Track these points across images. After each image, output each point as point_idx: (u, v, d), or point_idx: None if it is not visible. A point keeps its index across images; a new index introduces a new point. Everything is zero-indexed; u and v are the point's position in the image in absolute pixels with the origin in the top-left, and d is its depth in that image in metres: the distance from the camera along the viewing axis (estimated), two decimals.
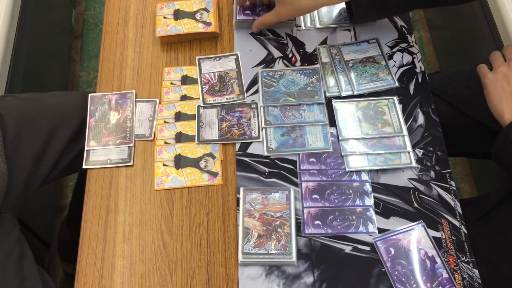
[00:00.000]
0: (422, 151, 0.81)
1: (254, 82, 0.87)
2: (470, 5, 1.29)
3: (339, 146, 0.80)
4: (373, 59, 0.88)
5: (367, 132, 0.81)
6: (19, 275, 0.76)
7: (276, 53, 0.90)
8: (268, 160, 0.80)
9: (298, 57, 0.90)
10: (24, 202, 0.85)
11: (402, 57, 0.90)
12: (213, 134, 0.82)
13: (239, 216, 0.74)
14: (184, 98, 0.86)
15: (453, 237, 0.73)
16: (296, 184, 0.78)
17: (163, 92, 0.86)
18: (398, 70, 0.88)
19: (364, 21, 0.90)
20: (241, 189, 0.76)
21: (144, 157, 0.81)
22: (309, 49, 0.91)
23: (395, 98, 0.84)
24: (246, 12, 0.92)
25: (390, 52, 0.90)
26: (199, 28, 0.90)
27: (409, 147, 0.80)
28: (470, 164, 1.58)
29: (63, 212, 1.50)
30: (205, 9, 0.92)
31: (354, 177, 0.78)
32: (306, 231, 0.74)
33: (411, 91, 0.86)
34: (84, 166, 0.80)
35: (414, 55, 0.90)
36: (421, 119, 0.83)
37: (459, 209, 0.76)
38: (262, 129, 0.82)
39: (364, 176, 0.78)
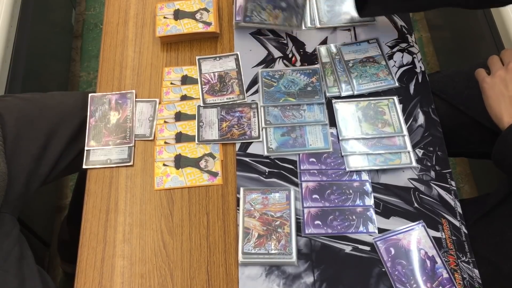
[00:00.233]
0: (422, 151, 0.81)
1: (254, 82, 0.87)
2: None
3: (339, 146, 0.80)
4: (373, 59, 0.88)
5: (367, 132, 0.81)
6: (19, 275, 0.76)
7: (276, 53, 0.90)
8: (268, 160, 0.80)
9: (298, 57, 0.90)
10: (24, 202, 0.85)
11: (402, 57, 0.90)
12: (213, 134, 0.82)
13: (239, 216, 0.74)
14: (184, 98, 0.86)
15: (453, 237, 0.73)
16: (296, 184, 0.78)
17: (163, 92, 0.86)
18: (398, 70, 0.88)
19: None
20: (241, 189, 0.76)
21: (144, 157, 0.81)
22: (309, 49, 0.91)
23: (395, 98, 0.84)
24: None
25: (390, 52, 0.90)
26: (199, 28, 0.90)
27: (409, 147, 0.80)
28: (470, 164, 1.58)
29: (63, 212, 1.50)
30: (205, 9, 0.92)
31: (354, 177, 0.78)
32: (306, 231, 0.74)
33: (411, 91, 0.86)
34: (84, 166, 0.80)
35: (414, 55, 0.90)
36: (421, 119, 0.83)
37: (459, 209, 0.76)
38: (262, 129, 0.82)
39: (364, 176, 0.78)
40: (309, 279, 0.70)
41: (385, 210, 0.75)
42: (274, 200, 0.75)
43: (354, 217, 0.75)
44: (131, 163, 0.80)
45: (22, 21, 1.22)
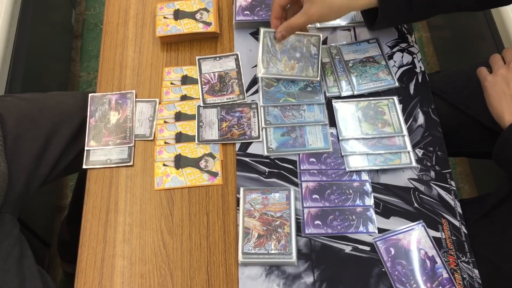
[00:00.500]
0: (422, 151, 0.81)
1: (254, 82, 0.87)
2: None
3: (339, 146, 0.80)
4: (373, 59, 0.88)
5: (367, 132, 0.81)
6: (19, 275, 0.76)
7: None
8: (268, 160, 0.80)
9: None
10: (24, 202, 0.85)
11: (402, 57, 0.90)
12: (213, 134, 0.82)
13: (239, 216, 0.74)
14: (184, 98, 0.86)
15: (453, 237, 0.73)
16: (296, 184, 0.78)
17: (163, 92, 0.86)
18: (398, 70, 0.88)
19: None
20: (241, 189, 0.76)
21: (144, 157, 0.81)
22: None
23: (395, 98, 0.84)
24: (246, 12, 0.92)
25: (390, 52, 0.90)
26: (199, 28, 0.90)
27: (409, 147, 0.80)
28: (470, 164, 1.58)
29: (63, 212, 1.50)
30: (205, 9, 0.92)
31: (354, 177, 0.78)
32: (306, 231, 0.74)
33: (411, 91, 0.86)
34: (84, 166, 0.80)
35: (414, 55, 0.90)
36: (421, 119, 0.83)
37: (459, 209, 0.76)
38: (262, 129, 0.82)
39: (364, 176, 0.78)
40: (309, 279, 0.70)
41: (385, 210, 0.75)
42: (274, 200, 0.75)
43: (354, 217, 0.75)
44: (131, 163, 0.80)
45: (22, 21, 1.22)
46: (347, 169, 0.78)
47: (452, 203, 0.76)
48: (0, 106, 0.84)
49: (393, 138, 0.81)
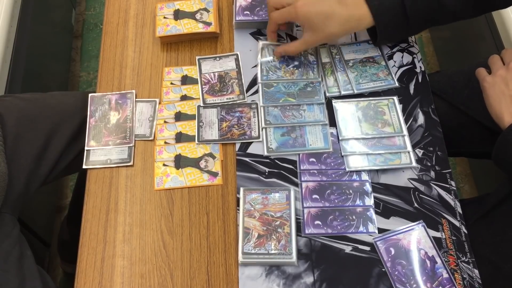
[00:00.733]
0: (422, 151, 0.81)
1: (254, 82, 0.87)
2: None
3: (339, 146, 0.80)
4: (373, 59, 0.88)
5: (367, 132, 0.81)
6: (19, 275, 0.76)
7: None
8: (268, 160, 0.80)
9: None
10: (24, 202, 0.85)
11: (402, 57, 0.90)
12: (213, 134, 0.82)
13: (239, 216, 0.74)
14: (184, 98, 0.86)
15: (453, 237, 0.73)
16: (296, 184, 0.78)
17: (163, 92, 0.86)
18: (398, 70, 0.88)
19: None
20: (241, 189, 0.76)
21: (144, 157, 0.81)
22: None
23: (395, 98, 0.84)
24: (246, 12, 0.92)
25: (390, 52, 0.90)
26: (199, 28, 0.90)
27: (409, 147, 0.80)
28: (470, 164, 1.58)
29: (63, 212, 1.50)
30: (205, 9, 0.92)
31: (354, 177, 0.78)
32: (306, 231, 0.74)
33: (411, 91, 0.86)
34: (84, 166, 0.80)
35: (414, 55, 0.90)
36: (421, 119, 0.83)
37: (459, 209, 0.76)
38: (262, 129, 0.82)
39: (364, 176, 0.78)
40: (309, 279, 0.70)
41: (385, 210, 0.75)
42: (274, 200, 0.75)
43: (354, 217, 0.75)
44: (131, 163, 0.80)
45: (22, 21, 1.22)
46: (347, 169, 0.78)
47: (452, 203, 0.76)
48: (0, 106, 0.84)
49: (393, 138, 0.81)
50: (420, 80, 0.87)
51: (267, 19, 0.91)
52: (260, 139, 0.81)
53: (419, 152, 0.80)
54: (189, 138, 0.82)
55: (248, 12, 0.92)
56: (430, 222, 0.74)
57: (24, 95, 0.92)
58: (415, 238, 0.73)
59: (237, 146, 0.81)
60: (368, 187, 0.77)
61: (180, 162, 0.80)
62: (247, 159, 0.80)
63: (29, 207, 1.20)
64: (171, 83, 0.87)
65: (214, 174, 0.79)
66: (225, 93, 0.86)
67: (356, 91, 0.85)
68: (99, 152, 0.81)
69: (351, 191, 0.77)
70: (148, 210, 0.77)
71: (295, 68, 0.87)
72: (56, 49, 1.63)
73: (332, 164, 0.79)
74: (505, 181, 0.81)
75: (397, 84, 0.86)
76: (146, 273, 0.72)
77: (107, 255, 0.73)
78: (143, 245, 0.74)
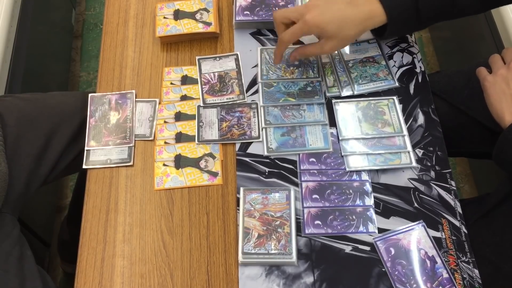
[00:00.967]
0: (422, 151, 0.81)
1: (254, 82, 0.87)
2: None
3: (339, 146, 0.80)
4: (373, 59, 0.88)
5: (367, 132, 0.81)
6: (19, 275, 0.76)
7: None
8: (268, 160, 0.80)
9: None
10: (24, 202, 0.85)
11: (402, 57, 0.90)
12: (213, 134, 0.82)
13: (239, 216, 0.74)
14: (184, 98, 0.86)
15: (453, 237, 0.73)
16: (296, 184, 0.78)
17: (163, 92, 0.86)
18: (398, 70, 0.88)
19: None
20: (241, 189, 0.76)
21: (144, 157, 0.81)
22: None
23: (395, 98, 0.84)
24: (246, 12, 0.92)
25: (390, 52, 0.90)
26: (199, 28, 0.90)
27: (409, 147, 0.80)
28: (470, 164, 1.58)
29: (63, 212, 1.50)
30: (205, 9, 0.92)
31: (354, 177, 0.78)
32: (306, 231, 0.74)
33: (411, 91, 0.86)
34: (84, 166, 0.80)
35: (414, 55, 0.90)
36: (421, 119, 0.83)
37: (459, 209, 0.76)
38: (262, 129, 0.82)
39: (364, 176, 0.78)
40: (309, 279, 0.70)
41: (385, 210, 0.75)
42: (274, 200, 0.75)
43: (354, 217, 0.75)
44: (131, 163, 0.80)
45: (22, 21, 1.22)
46: (347, 169, 0.78)
47: (452, 203, 0.76)
48: (0, 106, 0.84)
49: (393, 138, 0.81)
50: (420, 80, 0.87)
51: (267, 19, 0.91)
52: (260, 139, 0.81)
53: (419, 152, 0.80)
54: (189, 138, 0.82)
55: (248, 12, 0.92)
56: (430, 222, 0.74)
57: (24, 95, 0.92)
58: (415, 238, 0.73)
59: (237, 146, 0.81)
60: (368, 187, 0.77)
61: (180, 162, 0.80)
62: (247, 159, 0.80)
63: (29, 207, 1.19)
64: (171, 83, 0.87)
65: (214, 174, 0.79)
66: (225, 93, 0.86)
67: (356, 92, 0.85)
68: (99, 152, 0.81)
69: (351, 191, 0.77)
70: (148, 210, 0.77)
71: (295, 68, 0.87)
72: (56, 49, 1.63)
73: (332, 164, 0.79)
74: (505, 180, 0.81)
75: (397, 84, 0.86)
76: (146, 273, 0.72)
77: (107, 255, 0.73)
78: (143, 245, 0.74)
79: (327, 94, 0.85)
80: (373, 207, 0.75)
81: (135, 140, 0.82)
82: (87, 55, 1.81)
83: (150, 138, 0.82)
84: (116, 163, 0.80)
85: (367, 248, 0.73)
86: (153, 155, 0.81)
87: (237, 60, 0.89)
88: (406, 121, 0.83)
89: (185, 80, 0.88)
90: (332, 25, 0.75)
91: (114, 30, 0.94)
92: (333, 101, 0.84)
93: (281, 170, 0.79)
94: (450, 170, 0.79)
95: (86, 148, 0.81)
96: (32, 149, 0.84)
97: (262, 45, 0.91)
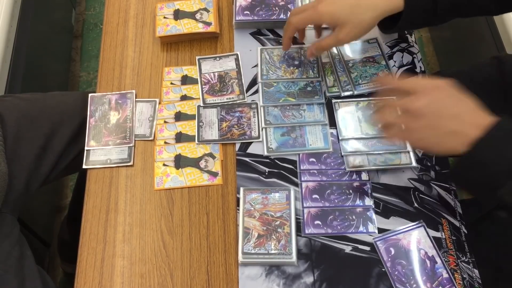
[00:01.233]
0: (422, 151, 0.80)
1: (254, 82, 0.87)
2: None
3: (339, 146, 0.80)
4: (373, 59, 0.88)
5: (367, 132, 0.81)
6: (19, 275, 0.76)
7: None
8: (268, 160, 0.80)
9: None
10: (24, 202, 0.85)
11: (402, 57, 0.90)
12: (213, 134, 0.82)
13: (239, 216, 0.74)
14: (184, 98, 0.86)
15: (453, 237, 0.73)
16: (296, 184, 0.78)
17: (163, 92, 0.86)
18: (398, 70, 0.88)
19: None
20: (241, 189, 0.76)
21: (144, 157, 0.81)
22: None
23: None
24: (246, 12, 0.92)
25: (390, 52, 0.90)
26: (199, 28, 0.90)
27: (409, 147, 0.80)
28: None
29: (63, 212, 1.50)
30: (205, 9, 0.92)
31: (354, 177, 0.78)
32: (306, 231, 0.74)
33: None
34: (84, 166, 0.80)
35: (414, 55, 0.90)
36: None
37: (459, 209, 0.76)
38: (262, 129, 0.82)
39: (364, 176, 0.78)
40: (309, 279, 0.70)
41: (385, 210, 0.75)
42: (274, 200, 0.75)
43: (354, 217, 0.75)
44: (131, 163, 0.80)
45: (22, 21, 1.22)
46: (347, 169, 0.78)
47: (452, 203, 0.76)
48: (0, 106, 0.84)
49: None
50: None
51: (267, 19, 0.91)
52: (260, 139, 0.81)
53: (419, 152, 0.80)
54: (189, 138, 0.82)
55: (248, 12, 0.92)
56: (430, 222, 0.74)
57: (24, 95, 0.92)
58: (415, 238, 0.73)
59: (237, 146, 0.81)
60: (368, 187, 0.77)
61: (180, 162, 0.80)
62: (247, 159, 0.80)
63: (29, 207, 1.19)
64: (171, 83, 0.87)
65: (214, 174, 0.79)
66: (225, 93, 0.86)
67: (356, 92, 0.85)
68: (99, 152, 0.81)
69: (351, 191, 0.77)
70: (148, 210, 0.77)
71: (295, 68, 0.87)
72: (56, 49, 1.63)
73: (332, 164, 0.79)
74: None
75: None
76: (146, 273, 0.72)
77: (107, 255, 0.73)
78: (143, 245, 0.74)
79: (327, 94, 0.85)
80: (373, 207, 0.75)
81: (135, 140, 0.82)
82: (87, 55, 1.81)
83: (150, 138, 0.82)
84: (116, 163, 0.80)
85: (367, 248, 0.73)
86: (153, 155, 0.81)
87: (237, 60, 0.89)
88: None
89: (185, 80, 0.88)
90: (343, 10, 0.73)
91: (114, 30, 0.94)
92: (333, 101, 0.84)
93: (281, 170, 0.79)
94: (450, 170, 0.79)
95: (86, 148, 0.81)
96: (32, 149, 0.84)
97: (262, 45, 0.91)
